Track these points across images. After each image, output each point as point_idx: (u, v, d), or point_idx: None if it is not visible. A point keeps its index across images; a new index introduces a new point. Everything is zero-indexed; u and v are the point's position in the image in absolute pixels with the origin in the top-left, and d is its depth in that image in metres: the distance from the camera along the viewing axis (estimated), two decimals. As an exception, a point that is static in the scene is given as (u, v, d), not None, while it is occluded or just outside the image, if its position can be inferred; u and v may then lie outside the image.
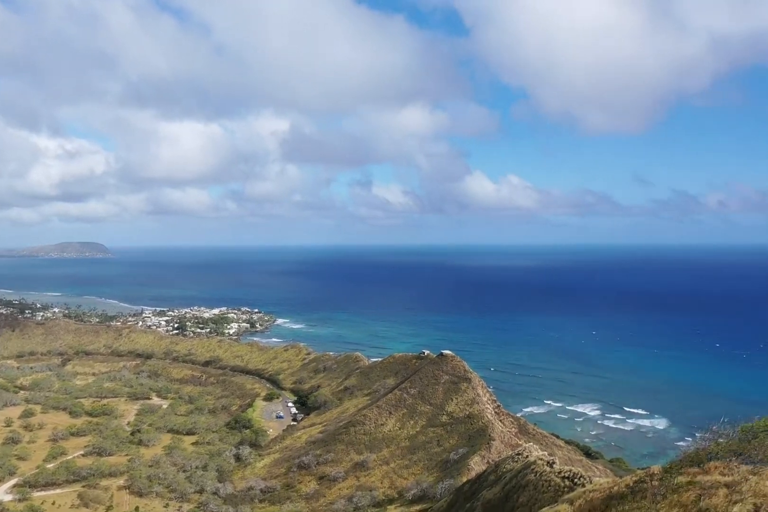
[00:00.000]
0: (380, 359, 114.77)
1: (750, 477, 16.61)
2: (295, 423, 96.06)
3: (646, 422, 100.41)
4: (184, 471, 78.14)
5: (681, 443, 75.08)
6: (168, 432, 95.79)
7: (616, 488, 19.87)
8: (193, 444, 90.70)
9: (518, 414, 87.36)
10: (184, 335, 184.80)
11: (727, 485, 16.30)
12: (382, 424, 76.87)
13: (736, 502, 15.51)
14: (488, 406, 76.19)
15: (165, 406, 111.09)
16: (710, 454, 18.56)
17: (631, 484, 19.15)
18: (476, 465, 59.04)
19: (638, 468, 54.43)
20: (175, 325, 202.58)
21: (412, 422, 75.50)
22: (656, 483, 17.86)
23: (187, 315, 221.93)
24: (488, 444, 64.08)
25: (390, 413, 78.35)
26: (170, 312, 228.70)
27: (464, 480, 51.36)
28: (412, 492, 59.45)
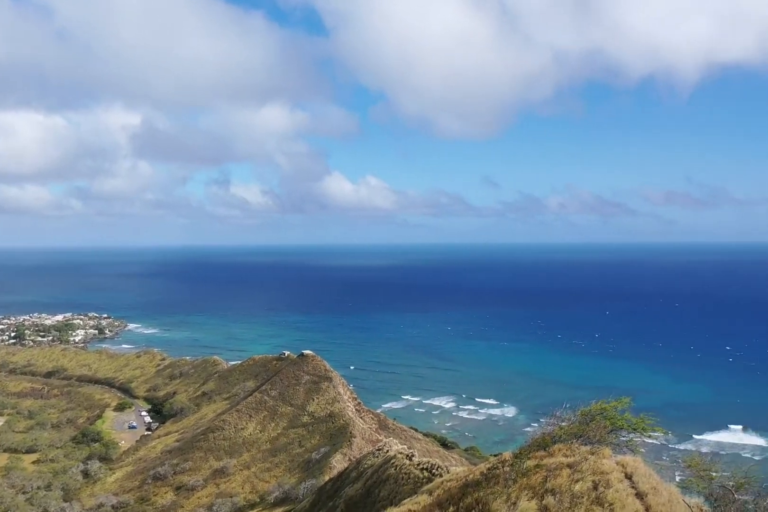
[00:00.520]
0: (239, 362, 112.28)
1: (589, 456, 18.09)
2: (149, 432, 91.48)
3: (497, 411, 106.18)
4: (24, 492, 71.77)
5: (528, 429, 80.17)
6: (4, 451, 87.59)
7: (471, 476, 20.83)
8: (34, 462, 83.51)
9: (378, 411, 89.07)
10: (23, 344, 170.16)
11: (569, 465, 17.66)
12: (242, 428, 75.28)
13: (577, 481, 16.84)
14: (349, 404, 77.02)
15: (0, 423, 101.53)
16: (554, 438, 19.99)
17: (485, 471, 20.17)
18: (338, 463, 59.49)
19: (491, 455, 57.61)
20: (12, 334, 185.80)
21: (273, 424, 74.63)
22: (507, 468, 18.93)
23: (26, 323, 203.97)
24: (350, 441, 64.78)
25: (250, 416, 76.93)
26: (5, 320, 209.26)
27: (326, 479, 51.55)
28: (274, 494, 58.78)
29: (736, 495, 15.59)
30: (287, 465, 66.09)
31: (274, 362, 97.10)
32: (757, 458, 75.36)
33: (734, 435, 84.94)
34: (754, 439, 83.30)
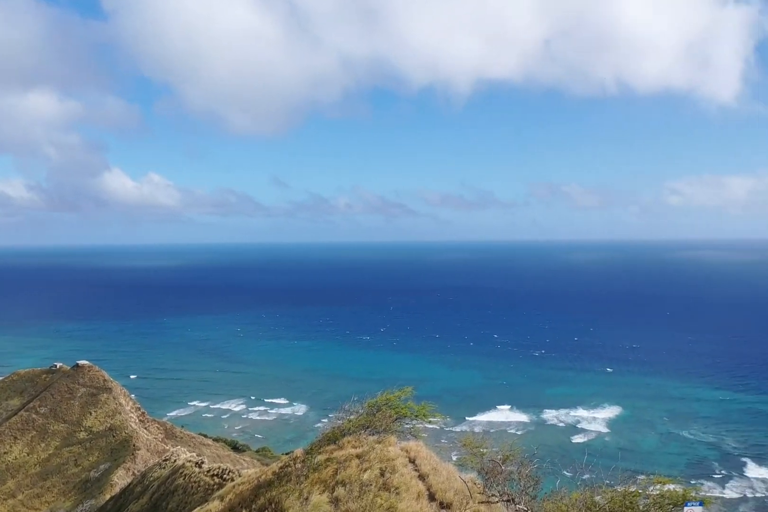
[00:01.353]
0: (0, 378, 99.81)
1: (376, 445, 18.95)
2: None
3: (287, 410, 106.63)
4: None
5: (319, 425, 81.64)
6: None
7: (263, 477, 20.74)
8: None
9: (165, 419, 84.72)
10: None
11: (358, 456, 18.35)
12: (5, 453, 67.08)
13: (366, 469, 17.56)
14: (132, 415, 72.34)
15: None
16: (344, 431, 20.63)
17: (277, 470, 20.21)
18: (120, 479, 55.64)
19: (283, 454, 57.76)
20: None
21: (43, 445, 67.54)
22: (299, 465, 19.16)
23: None
24: (133, 454, 60.89)
25: (15, 438, 68.84)
26: None
27: (107, 497, 47.96)
28: (46, 522, 53.40)
29: (503, 467, 17.31)
30: (61, 488, 60.29)
31: (44, 376, 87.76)
32: (520, 432, 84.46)
33: (502, 414, 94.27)
34: (518, 416, 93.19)
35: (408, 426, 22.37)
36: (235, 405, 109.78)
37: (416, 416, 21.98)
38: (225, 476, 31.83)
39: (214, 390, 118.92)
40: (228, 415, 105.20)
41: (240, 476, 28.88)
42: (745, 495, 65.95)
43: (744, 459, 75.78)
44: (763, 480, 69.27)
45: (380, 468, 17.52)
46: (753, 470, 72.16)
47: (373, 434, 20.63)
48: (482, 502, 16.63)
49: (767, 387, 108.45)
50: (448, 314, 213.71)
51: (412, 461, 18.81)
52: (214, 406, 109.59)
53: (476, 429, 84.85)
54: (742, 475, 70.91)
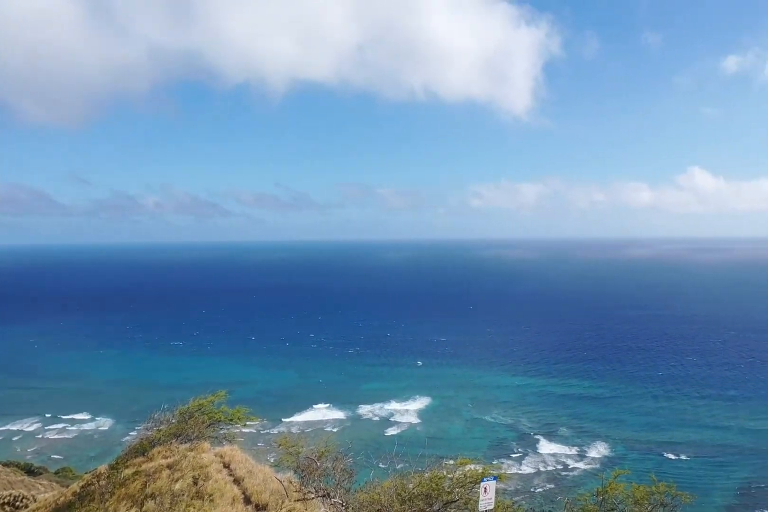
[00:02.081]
0: None
1: (188, 453, 18.34)
2: None
3: (90, 425, 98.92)
4: None
5: (127, 438, 76.72)
6: None
7: (62, 499, 19.17)
8: None
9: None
10: None
11: (169, 466, 17.64)
12: None
13: (177, 480, 16.94)
14: None
15: None
16: (154, 441, 19.71)
17: (78, 490, 18.79)
18: None
19: (86, 473, 53.47)
20: None
21: None
22: (104, 482, 17.98)
23: None
24: None
25: None
26: None
27: None
28: None
29: (318, 463, 17.63)
30: None
31: None
32: (336, 429, 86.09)
33: (319, 413, 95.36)
34: (335, 413, 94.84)
35: (223, 431, 21.90)
36: (28, 425, 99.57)
37: (231, 420, 21.60)
38: (18, 503, 28.86)
39: (1, 410, 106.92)
40: (20, 436, 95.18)
41: (35, 501, 26.41)
42: (539, 469, 73.00)
43: (537, 437, 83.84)
44: (553, 455, 77.10)
45: (193, 477, 17.00)
46: (545, 446, 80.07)
47: (186, 442, 19.94)
48: (298, 500, 16.81)
49: (555, 371, 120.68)
50: (263, 315, 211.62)
51: (227, 466, 18.48)
52: (2, 428, 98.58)
53: (293, 430, 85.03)
54: (536, 452, 78.40)
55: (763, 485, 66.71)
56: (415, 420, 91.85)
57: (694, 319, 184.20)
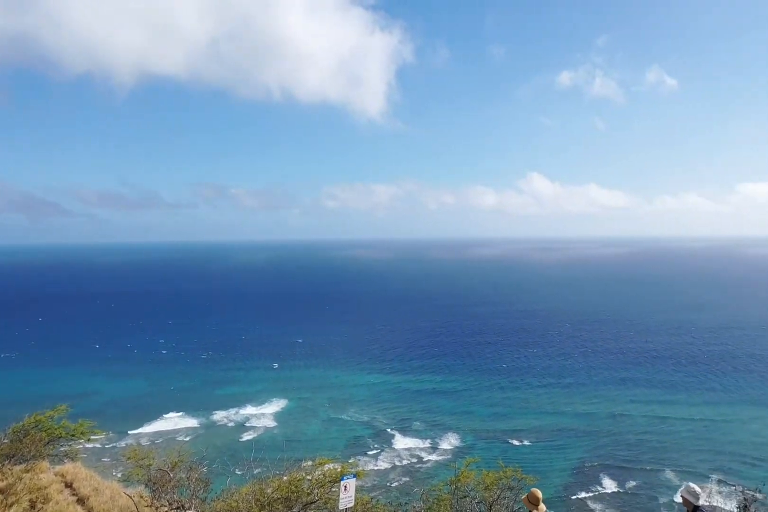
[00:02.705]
0: None
1: (24, 475, 16.88)
2: None
3: None
4: None
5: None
6: None
7: None
8: None
9: None
10: None
11: (1, 490, 16.14)
12: None
13: (11, 505, 15.54)
14: None
15: None
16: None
17: None
18: None
19: None
20: None
21: None
22: None
23: None
24: None
25: None
26: None
27: None
28: None
29: (171, 475, 16.95)
30: None
31: None
32: (189, 438, 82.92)
33: (170, 422, 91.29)
34: (187, 422, 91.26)
35: (64, 447, 20.43)
36: None
37: (73, 436, 20.20)
38: None
39: None
40: None
41: None
42: (394, 463, 74.90)
43: (393, 433, 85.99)
44: (408, 449, 79.45)
45: (30, 500, 15.68)
46: (400, 441, 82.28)
47: (21, 463, 18.37)
48: (150, 515, 16.05)
49: (409, 368, 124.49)
50: (109, 321, 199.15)
51: (70, 485, 17.26)
52: None
53: (143, 441, 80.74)
54: (391, 447, 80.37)
55: (594, 463, 73.01)
56: (271, 423, 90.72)
57: (535, 314, 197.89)
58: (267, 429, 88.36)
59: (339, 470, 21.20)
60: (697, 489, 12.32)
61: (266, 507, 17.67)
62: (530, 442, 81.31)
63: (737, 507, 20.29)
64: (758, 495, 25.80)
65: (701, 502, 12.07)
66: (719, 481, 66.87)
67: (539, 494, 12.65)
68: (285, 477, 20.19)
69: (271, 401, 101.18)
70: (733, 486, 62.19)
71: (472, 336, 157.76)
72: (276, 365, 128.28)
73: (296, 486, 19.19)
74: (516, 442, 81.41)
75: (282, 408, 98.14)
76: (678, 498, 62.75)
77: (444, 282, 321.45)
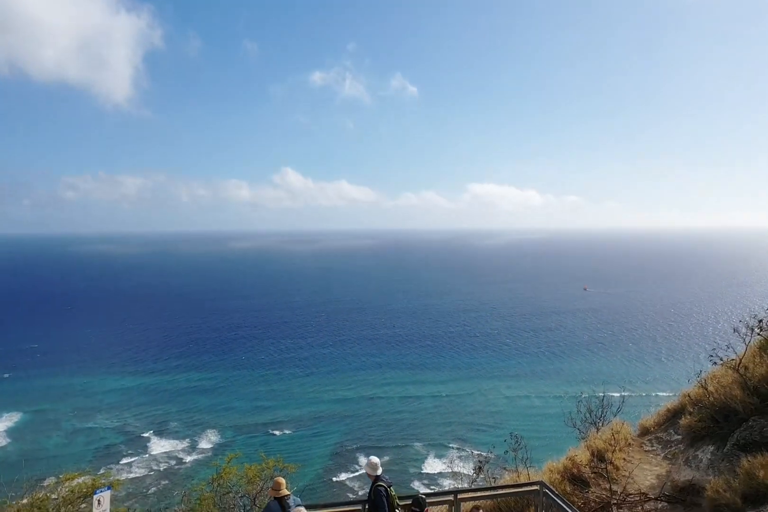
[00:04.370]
0: None
1: None
2: None
3: None
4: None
5: None
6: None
7: None
8: None
9: None
10: None
11: None
12: None
13: None
14: None
15: None
16: None
17: None
18: None
19: None
20: None
21: None
22: None
23: None
24: None
25: None
26: None
27: None
28: None
29: None
30: None
31: None
32: None
33: None
34: None
35: None
36: None
37: None
38: None
39: None
40: None
41: None
42: (152, 468, 71.11)
43: (147, 436, 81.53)
44: (165, 453, 75.98)
45: None
46: (156, 445, 78.34)
47: None
48: None
49: (165, 368, 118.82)
50: None
51: None
52: None
53: None
54: (147, 452, 76.16)
55: (352, 445, 76.82)
56: (3, 441, 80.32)
57: (293, 306, 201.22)
58: (-2, 448, 78.02)
59: (91, 483, 19.67)
60: (375, 459, 13.66)
61: (4, 535, 15.81)
62: (291, 431, 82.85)
63: (473, 469, 22.85)
64: (490, 455, 29.43)
65: (379, 472, 13.51)
66: (459, 448, 74.70)
67: (281, 480, 13.46)
68: (25, 500, 18.17)
69: (1, 416, 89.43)
70: (470, 451, 69.86)
71: (233, 331, 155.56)
72: (6, 375, 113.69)
73: (39, 508, 17.39)
74: (277, 433, 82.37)
75: (15, 423, 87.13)
76: (425, 468, 68.75)
77: (200, 277, 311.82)
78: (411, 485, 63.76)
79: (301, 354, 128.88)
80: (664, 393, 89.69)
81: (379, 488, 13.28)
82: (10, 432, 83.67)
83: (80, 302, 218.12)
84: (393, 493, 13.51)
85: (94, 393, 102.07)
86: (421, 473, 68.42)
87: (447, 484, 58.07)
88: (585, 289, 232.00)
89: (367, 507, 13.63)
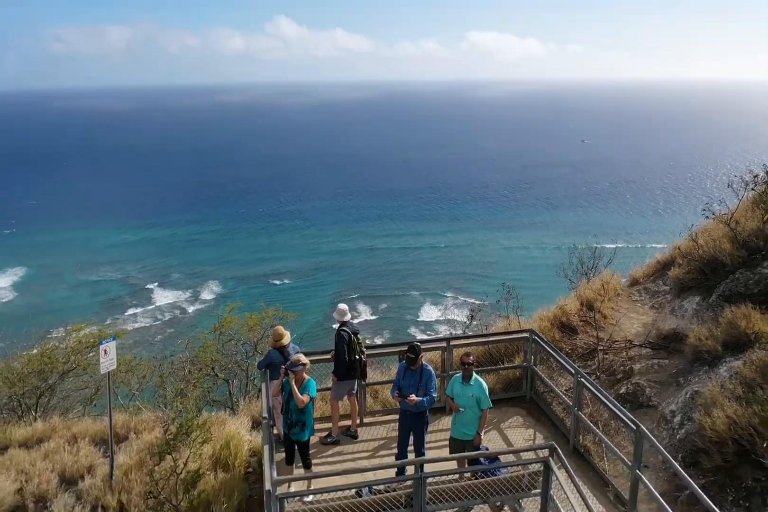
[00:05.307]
0: None
1: None
2: None
3: None
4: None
5: None
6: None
7: None
8: None
9: None
10: None
11: None
12: None
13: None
14: None
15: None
16: None
17: None
18: None
19: None
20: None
21: None
22: None
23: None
24: None
25: None
26: None
27: None
28: None
29: None
30: None
31: None
32: None
33: None
34: None
35: None
36: None
37: None
38: None
39: None
40: None
41: None
42: (156, 318, 74.43)
43: (150, 287, 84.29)
44: (169, 304, 79.03)
45: None
46: (159, 296, 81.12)
47: None
48: None
49: (163, 221, 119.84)
50: None
51: None
52: None
53: None
54: (151, 303, 79.14)
55: (351, 295, 79.81)
56: (9, 294, 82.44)
57: (287, 160, 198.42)
58: (7, 300, 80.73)
59: (97, 334, 20.39)
60: (342, 306, 14.05)
61: (17, 384, 16.59)
62: (291, 281, 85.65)
63: (467, 317, 23.69)
64: (484, 304, 30.55)
65: (347, 318, 13.94)
66: (454, 297, 77.83)
67: (281, 331, 13.76)
68: (35, 350, 18.90)
69: (5, 270, 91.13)
70: (464, 299, 72.85)
71: (230, 185, 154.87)
72: (8, 231, 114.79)
73: (49, 357, 18.11)
74: (278, 282, 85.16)
75: (20, 278, 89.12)
76: (421, 316, 72.04)
77: (192, 132, 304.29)
78: (408, 331, 67.23)
79: (301, 207, 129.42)
80: (660, 245, 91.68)
81: (341, 332, 13.63)
82: (17, 286, 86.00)
83: (75, 158, 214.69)
84: (358, 341, 13.83)
85: (96, 248, 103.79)
86: (417, 321, 71.86)
87: (443, 330, 61.11)
88: (583, 142, 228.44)
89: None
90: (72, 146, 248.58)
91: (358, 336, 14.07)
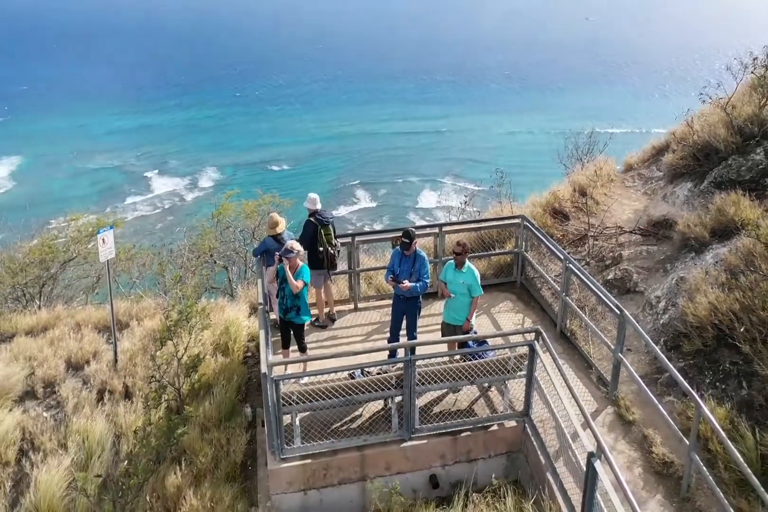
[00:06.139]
0: None
1: None
2: None
3: None
4: None
5: None
6: None
7: None
8: None
9: None
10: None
11: None
12: None
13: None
14: None
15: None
16: None
17: None
18: None
19: None
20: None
21: None
22: None
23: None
24: None
25: None
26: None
27: None
28: None
29: None
30: None
31: None
32: None
33: None
34: None
35: None
36: None
37: None
38: None
39: None
40: None
41: None
42: (155, 206, 74.28)
43: (149, 175, 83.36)
44: (169, 192, 78.54)
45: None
46: (158, 183, 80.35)
47: None
48: None
49: (159, 107, 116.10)
50: None
51: None
52: None
53: None
54: (149, 190, 78.67)
55: (350, 182, 79.10)
56: (7, 184, 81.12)
57: (282, 39, 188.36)
58: (3, 191, 79.33)
59: (96, 223, 20.61)
60: (313, 195, 13.89)
61: (19, 274, 17.00)
62: (289, 167, 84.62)
63: (462, 202, 23.79)
64: (478, 189, 30.55)
65: (317, 207, 13.73)
66: (452, 184, 77.36)
67: (276, 218, 13.61)
68: (35, 241, 19.20)
69: (1, 160, 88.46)
70: (461, 185, 72.49)
71: (226, 69, 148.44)
72: (1, 119, 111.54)
73: (50, 247, 18.42)
74: (276, 168, 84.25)
75: (17, 167, 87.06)
76: (419, 203, 72.11)
77: (191, 13, 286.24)
78: (407, 217, 67.47)
79: (300, 90, 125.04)
80: (663, 130, 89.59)
81: (308, 223, 13.48)
82: (14, 175, 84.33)
83: (64, 39, 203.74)
84: (328, 232, 13.48)
85: (92, 135, 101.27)
86: (416, 208, 71.90)
87: (441, 217, 61.39)
88: (587, 19, 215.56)
89: None
90: (59, 26, 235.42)
91: (329, 227, 13.71)
